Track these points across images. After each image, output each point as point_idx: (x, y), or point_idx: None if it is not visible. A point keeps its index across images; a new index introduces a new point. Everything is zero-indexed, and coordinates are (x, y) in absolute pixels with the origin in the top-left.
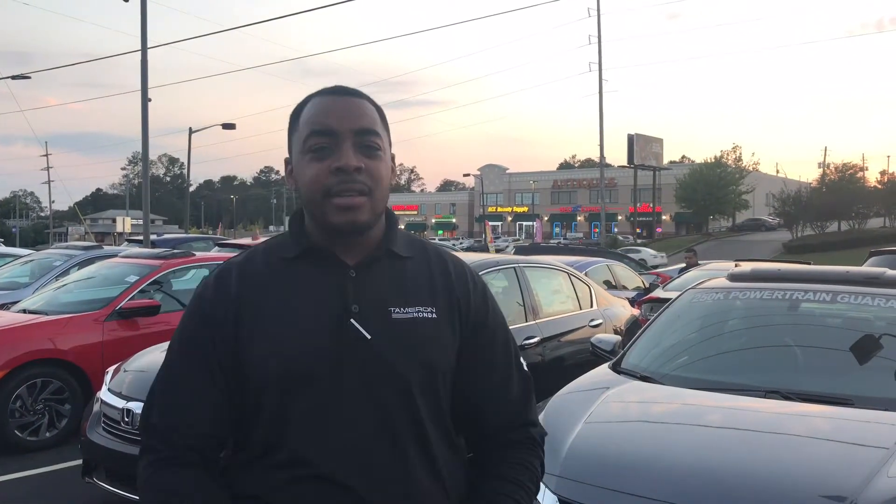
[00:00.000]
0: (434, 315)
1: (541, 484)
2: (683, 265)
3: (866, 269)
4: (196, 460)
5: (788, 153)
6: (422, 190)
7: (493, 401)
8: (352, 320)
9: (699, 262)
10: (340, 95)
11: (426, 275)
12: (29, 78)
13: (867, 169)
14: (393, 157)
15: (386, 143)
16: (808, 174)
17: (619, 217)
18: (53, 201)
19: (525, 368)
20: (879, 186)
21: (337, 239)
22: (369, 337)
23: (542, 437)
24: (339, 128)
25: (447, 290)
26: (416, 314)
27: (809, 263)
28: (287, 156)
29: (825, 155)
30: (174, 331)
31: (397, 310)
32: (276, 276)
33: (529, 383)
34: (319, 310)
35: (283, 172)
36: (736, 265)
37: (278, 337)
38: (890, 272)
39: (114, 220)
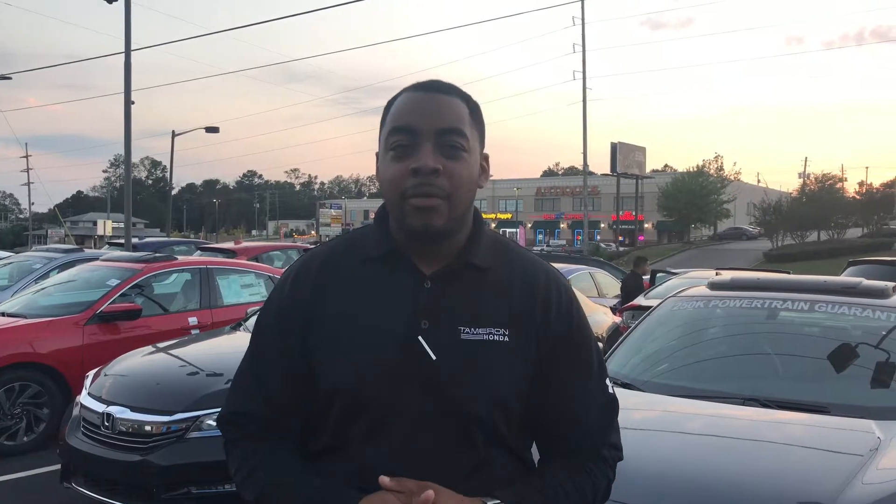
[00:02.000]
0: (506, 338)
1: None
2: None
3: (844, 278)
4: (270, 438)
5: (769, 163)
6: None
7: (568, 425)
8: (419, 337)
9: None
10: (429, 92)
11: (505, 290)
12: (10, 79)
13: (846, 180)
14: (486, 158)
15: (474, 143)
16: (788, 184)
17: (602, 225)
18: (33, 203)
19: (610, 391)
20: (858, 197)
21: (417, 243)
22: (434, 357)
23: (614, 459)
24: (420, 127)
25: (527, 308)
26: (486, 336)
27: (789, 272)
28: (378, 150)
29: (805, 165)
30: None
31: (467, 329)
32: (353, 278)
33: (613, 407)
34: (388, 322)
35: (266, 176)
36: (716, 273)
37: (343, 347)
38: (866, 282)
39: (95, 223)
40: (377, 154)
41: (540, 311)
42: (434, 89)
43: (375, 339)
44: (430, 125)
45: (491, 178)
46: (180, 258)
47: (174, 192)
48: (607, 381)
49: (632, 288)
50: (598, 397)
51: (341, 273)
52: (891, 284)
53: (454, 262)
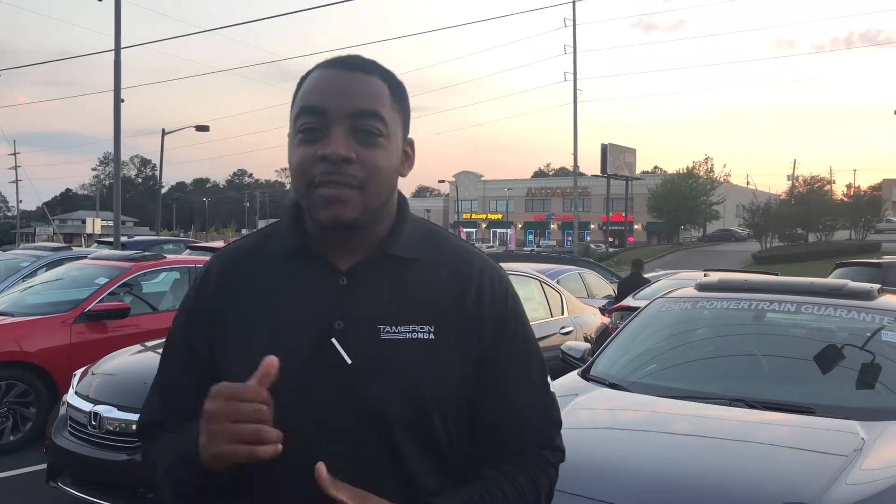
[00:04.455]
0: (431, 336)
1: None
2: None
3: (830, 280)
4: None
5: (759, 165)
6: None
7: (508, 428)
8: (332, 340)
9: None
10: (344, 69)
11: (432, 283)
12: None
13: (834, 182)
14: (411, 144)
15: (395, 128)
16: (777, 186)
17: (592, 226)
18: (21, 201)
19: (551, 389)
20: (846, 199)
21: (330, 236)
22: (349, 362)
23: (557, 461)
24: (331, 108)
25: (457, 302)
26: (408, 335)
27: (777, 274)
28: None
29: (794, 168)
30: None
31: (387, 328)
32: (260, 277)
33: (553, 408)
34: (299, 324)
35: (256, 175)
36: (705, 275)
37: (249, 355)
38: (852, 284)
39: (83, 221)
40: (289, 135)
41: (471, 303)
42: (350, 66)
43: (284, 343)
44: (343, 107)
45: (482, 179)
46: (169, 257)
47: (164, 190)
48: (548, 380)
49: (632, 287)
50: (538, 397)
51: (247, 272)
52: (876, 286)
53: (373, 256)
